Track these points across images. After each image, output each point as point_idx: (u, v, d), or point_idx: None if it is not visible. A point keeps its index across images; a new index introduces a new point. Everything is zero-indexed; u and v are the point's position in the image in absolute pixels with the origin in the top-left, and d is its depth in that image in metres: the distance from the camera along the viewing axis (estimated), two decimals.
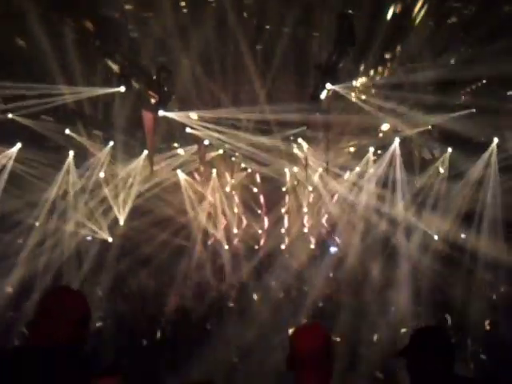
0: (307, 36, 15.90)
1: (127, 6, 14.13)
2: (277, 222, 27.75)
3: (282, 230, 28.15)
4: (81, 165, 21.28)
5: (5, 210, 19.27)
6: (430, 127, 19.26)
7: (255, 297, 18.17)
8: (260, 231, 28.05)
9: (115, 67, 14.75)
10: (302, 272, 22.58)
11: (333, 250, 27.98)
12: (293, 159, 24.60)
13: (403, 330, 12.95)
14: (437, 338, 4.19)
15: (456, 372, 4.01)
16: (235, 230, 27.75)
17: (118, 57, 14.48)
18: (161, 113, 17.37)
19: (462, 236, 22.17)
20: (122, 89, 15.53)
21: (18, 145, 19.06)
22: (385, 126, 19.85)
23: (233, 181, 26.16)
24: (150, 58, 15.94)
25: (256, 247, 27.72)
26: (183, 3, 14.40)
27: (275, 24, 15.49)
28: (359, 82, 16.41)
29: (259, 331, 12.92)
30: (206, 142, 21.61)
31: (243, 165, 25.55)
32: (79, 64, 15.08)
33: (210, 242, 27.38)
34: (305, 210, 27.45)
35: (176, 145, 22.42)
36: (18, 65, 15.17)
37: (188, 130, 19.67)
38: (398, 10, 13.37)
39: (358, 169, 24.15)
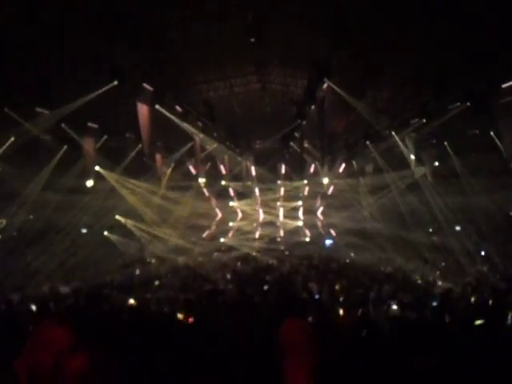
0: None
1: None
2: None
3: (278, 223, 28.26)
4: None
5: None
6: None
7: None
8: (255, 224, 28.09)
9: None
10: None
11: (328, 242, 28.07)
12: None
13: None
14: None
15: None
16: (230, 223, 27.80)
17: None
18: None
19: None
20: (115, 82, 15.39)
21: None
22: None
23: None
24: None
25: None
26: None
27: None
28: None
29: None
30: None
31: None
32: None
33: (205, 235, 27.43)
34: (299, 203, 27.49)
35: None
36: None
37: (184, 125, 19.49)
38: None
39: None
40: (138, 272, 21.55)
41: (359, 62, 16.06)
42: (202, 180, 24.64)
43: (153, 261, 23.69)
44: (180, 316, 8.95)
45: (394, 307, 11.42)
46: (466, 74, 15.54)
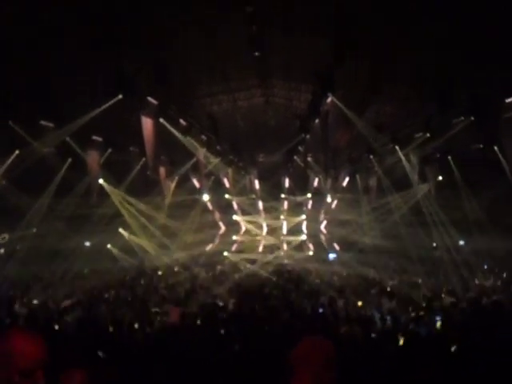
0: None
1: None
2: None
3: (281, 238, 28.13)
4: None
5: None
6: None
7: None
8: (258, 238, 27.99)
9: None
10: None
11: (332, 256, 27.90)
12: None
13: None
14: None
15: None
16: (234, 237, 27.70)
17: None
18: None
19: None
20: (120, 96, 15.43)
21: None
22: None
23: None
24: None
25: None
26: None
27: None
28: None
29: None
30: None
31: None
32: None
33: (208, 248, 27.30)
34: (303, 217, 27.41)
35: None
36: None
37: (188, 138, 19.54)
38: None
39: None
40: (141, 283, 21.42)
41: (363, 76, 16.09)
42: (206, 197, 24.77)
43: (159, 272, 23.55)
44: None
45: (398, 322, 11.37)
46: (470, 88, 15.57)
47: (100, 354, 6.53)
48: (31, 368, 2.98)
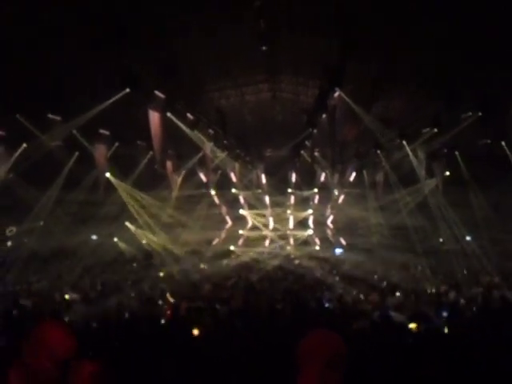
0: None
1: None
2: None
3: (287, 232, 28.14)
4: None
5: None
6: None
7: None
8: (265, 232, 27.99)
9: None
10: None
11: (338, 251, 27.88)
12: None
13: None
14: None
15: None
16: (240, 231, 27.72)
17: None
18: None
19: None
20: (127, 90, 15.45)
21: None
22: None
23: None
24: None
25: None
26: None
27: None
28: None
29: None
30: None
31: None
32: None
33: (214, 243, 27.33)
34: (310, 212, 27.38)
35: None
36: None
37: (195, 132, 19.55)
38: None
39: None
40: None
41: (371, 71, 16.03)
42: (212, 192, 24.78)
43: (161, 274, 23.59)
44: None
45: (402, 317, 11.34)
46: (478, 84, 15.50)
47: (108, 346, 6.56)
48: (63, 358, 3.15)
